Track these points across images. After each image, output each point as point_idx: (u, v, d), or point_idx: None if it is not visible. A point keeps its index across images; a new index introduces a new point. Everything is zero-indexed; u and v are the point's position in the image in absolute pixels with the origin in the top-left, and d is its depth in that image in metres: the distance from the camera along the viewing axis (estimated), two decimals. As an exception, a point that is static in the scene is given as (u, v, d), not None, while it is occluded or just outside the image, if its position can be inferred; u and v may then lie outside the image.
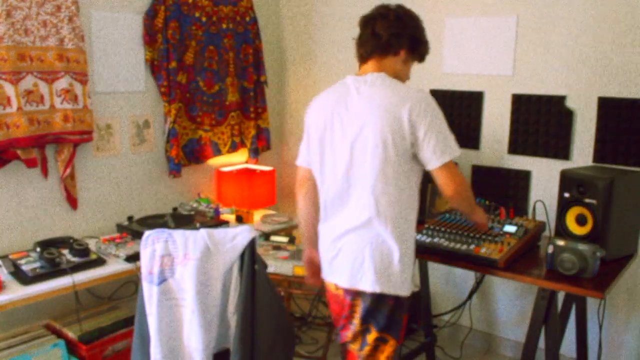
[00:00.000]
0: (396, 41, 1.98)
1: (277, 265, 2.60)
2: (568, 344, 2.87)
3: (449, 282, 3.34)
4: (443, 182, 1.95)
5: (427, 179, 2.05)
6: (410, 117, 1.87)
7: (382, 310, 1.95)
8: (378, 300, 1.94)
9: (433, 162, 1.92)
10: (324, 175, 2.04)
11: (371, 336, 1.98)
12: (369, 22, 2.02)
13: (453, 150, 1.94)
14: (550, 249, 2.22)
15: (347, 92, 1.98)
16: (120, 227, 2.94)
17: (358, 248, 1.94)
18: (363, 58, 2.04)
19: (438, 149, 1.91)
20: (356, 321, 1.99)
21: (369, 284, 1.93)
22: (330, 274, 2.06)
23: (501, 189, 3.06)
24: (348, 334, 2.04)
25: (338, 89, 2.04)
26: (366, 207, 1.93)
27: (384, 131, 1.88)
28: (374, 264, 1.92)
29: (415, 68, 2.12)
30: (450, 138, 1.95)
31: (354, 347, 2.04)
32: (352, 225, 1.96)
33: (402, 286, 1.95)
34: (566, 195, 2.40)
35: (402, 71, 2.05)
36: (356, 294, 1.97)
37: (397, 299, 1.96)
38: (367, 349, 1.99)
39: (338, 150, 1.98)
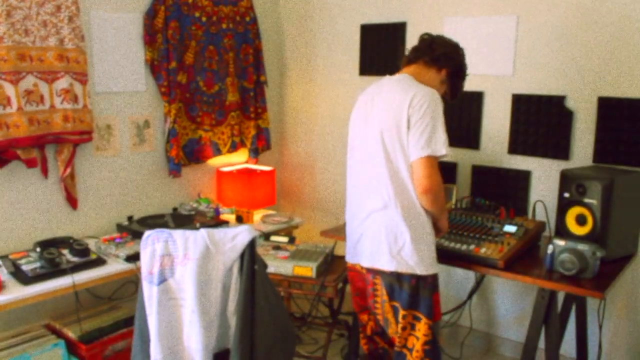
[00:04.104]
0: (445, 60, 2.17)
1: (277, 265, 2.60)
2: (568, 344, 2.87)
3: (449, 282, 3.34)
4: (419, 176, 2.01)
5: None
6: (409, 107, 2.00)
7: (404, 288, 2.10)
8: (398, 278, 2.10)
9: (414, 153, 2.00)
10: (352, 166, 2.25)
11: (401, 314, 2.12)
12: (428, 38, 2.23)
13: (437, 147, 1.99)
14: (550, 249, 2.22)
15: (379, 90, 2.15)
16: (120, 227, 2.94)
17: (376, 230, 2.12)
18: (409, 60, 2.21)
19: (422, 141, 1.98)
20: (382, 299, 2.15)
21: (385, 263, 2.10)
22: (355, 256, 2.26)
23: (501, 189, 3.06)
24: (383, 317, 2.19)
25: (376, 85, 2.20)
26: (381, 194, 2.08)
27: (391, 123, 2.03)
28: (389, 244, 2.09)
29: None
30: (440, 136, 2.00)
31: (391, 331, 2.20)
32: (371, 210, 2.13)
33: (418, 266, 2.07)
34: (566, 195, 2.40)
35: (436, 89, 2.13)
36: (376, 273, 2.15)
37: (418, 278, 2.09)
38: (400, 326, 2.13)
39: (361, 141, 2.17)
